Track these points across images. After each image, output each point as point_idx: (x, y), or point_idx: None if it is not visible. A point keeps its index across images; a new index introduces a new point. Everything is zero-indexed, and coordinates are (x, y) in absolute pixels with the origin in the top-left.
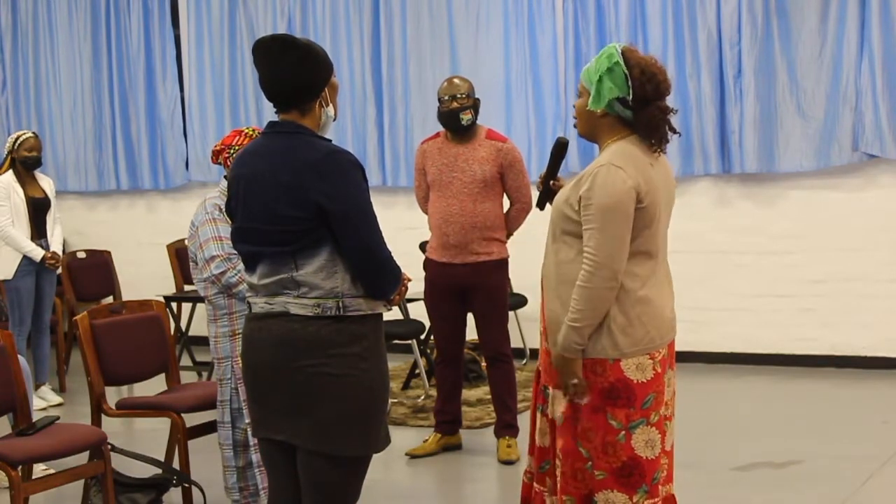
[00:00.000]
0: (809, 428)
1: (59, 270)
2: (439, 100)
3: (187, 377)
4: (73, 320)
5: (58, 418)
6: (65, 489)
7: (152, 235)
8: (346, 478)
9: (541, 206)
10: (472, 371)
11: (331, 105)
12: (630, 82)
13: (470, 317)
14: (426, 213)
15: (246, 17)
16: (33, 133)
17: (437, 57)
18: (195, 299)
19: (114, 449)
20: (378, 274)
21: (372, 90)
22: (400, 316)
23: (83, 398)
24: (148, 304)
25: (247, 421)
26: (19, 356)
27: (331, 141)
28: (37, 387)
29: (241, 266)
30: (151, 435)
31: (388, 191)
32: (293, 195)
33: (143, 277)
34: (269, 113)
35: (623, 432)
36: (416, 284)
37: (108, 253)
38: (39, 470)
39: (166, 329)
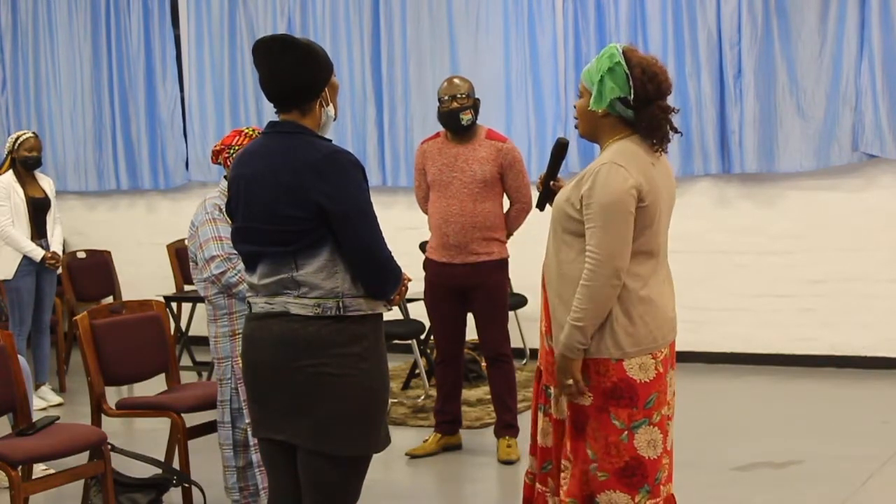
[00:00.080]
0: (809, 428)
1: (59, 270)
2: (439, 100)
3: (187, 377)
4: (73, 320)
5: (58, 418)
6: (65, 489)
7: (152, 235)
8: (346, 478)
9: (541, 206)
10: (472, 371)
11: (331, 105)
12: (631, 82)
13: (470, 317)
14: (426, 213)
15: (246, 17)
16: (33, 133)
17: (437, 57)
18: (195, 299)
19: (114, 449)
20: (378, 274)
21: (372, 90)
22: (400, 316)
23: (83, 398)
24: (148, 304)
25: (247, 421)
26: (19, 356)
27: (331, 141)
28: (37, 387)
29: (241, 266)
30: (151, 435)
31: (388, 191)
32: (293, 195)
33: (143, 277)
34: (269, 113)
35: (626, 432)
36: (416, 284)
37: (108, 253)
38: (39, 470)
39: (166, 329)
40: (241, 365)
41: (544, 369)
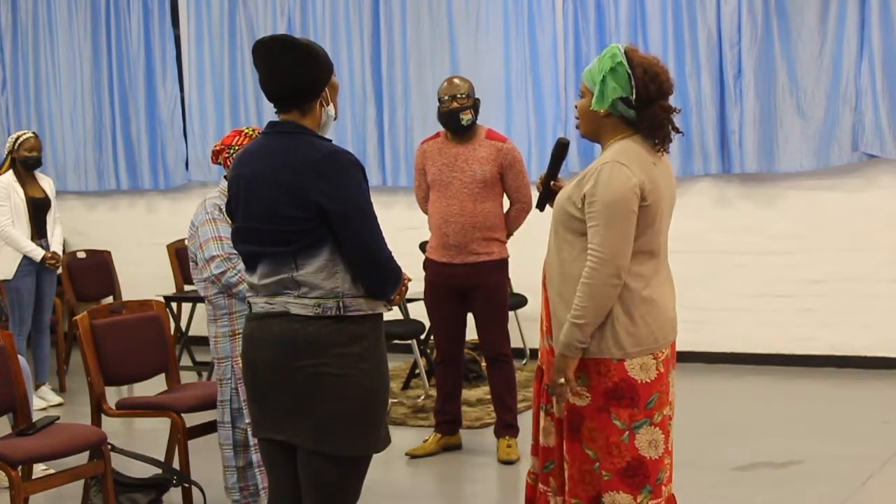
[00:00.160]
0: (809, 428)
1: (60, 270)
2: (439, 100)
3: (187, 377)
4: (73, 320)
5: (58, 418)
6: (65, 489)
7: (152, 235)
8: (346, 478)
9: (541, 207)
10: (472, 371)
11: (331, 105)
12: (633, 82)
13: (470, 317)
14: (426, 213)
15: (246, 17)
16: (33, 133)
17: (437, 57)
18: (195, 299)
19: (114, 449)
20: (378, 274)
21: (372, 90)
22: (400, 316)
23: (83, 398)
24: (148, 304)
25: (247, 421)
26: (19, 356)
27: (331, 141)
28: (37, 387)
29: (241, 266)
30: (151, 435)
31: (388, 191)
32: (293, 195)
33: (143, 277)
34: (269, 113)
35: (627, 432)
36: (416, 284)
37: (108, 253)
38: (39, 470)
39: (166, 329)
40: (241, 365)
41: (545, 369)
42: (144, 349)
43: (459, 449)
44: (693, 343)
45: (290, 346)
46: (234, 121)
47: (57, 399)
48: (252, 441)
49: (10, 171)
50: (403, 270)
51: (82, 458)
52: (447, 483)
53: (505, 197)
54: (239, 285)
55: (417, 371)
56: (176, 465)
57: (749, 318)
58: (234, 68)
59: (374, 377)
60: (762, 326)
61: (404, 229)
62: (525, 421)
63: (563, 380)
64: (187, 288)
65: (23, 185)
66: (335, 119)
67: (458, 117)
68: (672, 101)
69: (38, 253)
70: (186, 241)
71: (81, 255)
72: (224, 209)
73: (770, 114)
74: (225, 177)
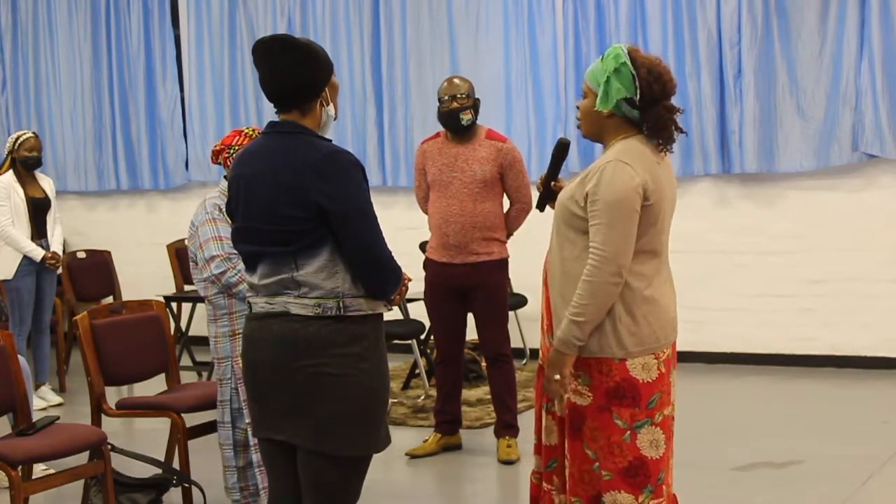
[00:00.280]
0: (809, 428)
1: (60, 270)
2: (439, 100)
3: (187, 377)
4: (73, 320)
5: (58, 418)
6: (65, 489)
7: (152, 235)
8: (346, 478)
9: (541, 207)
10: (472, 371)
11: (331, 105)
12: (637, 82)
13: (470, 317)
14: (426, 213)
15: (246, 17)
16: (33, 133)
17: (437, 57)
18: (195, 299)
19: (114, 449)
20: (378, 274)
21: (372, 90)
22: (400, 316)
23: (83, 398)
24: (148, 304)
25: (247, 421)
26: (19, 356)
27: (331, 141)
28: (37, 387)
29: (241, 266)
30: (151, 435)
31: (388, 191)
32: (293, 195)
33: (143, 277)
34: (269, 113)
35: (628, 432)
36: (416, 284)
37: (108, 253)
38: (39, 470)
39: (166, 329)
40: (241, 365)
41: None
42: (144, 349)
43: (459, 449)
44: (693, 343)
45: (290, 346)
46: (234, 121)
47: (57, 399)
48: (252, 441)
49: (10, 171)
50: (403, 270)
51: (82, 458)
52: (447, 483)
53: (505, 197)
54: (239, 285)
55: (417, 371)
56: (176, 465)
57: (749, 318)
58: (234, 68)
59: (374, 377)
60: (762, 326)
61: (404, 229)
62: (525, 421)
63: (557, 376)
64: (187, 288)
65: (23, 185)
66: (335, 119)
67: (458, 117)
68: (673, 101)
69: (38, 253)
70: (186, 241)
71: (81, 255)
72: (224, 209)
73: (770, 114)
74: (225, 177)
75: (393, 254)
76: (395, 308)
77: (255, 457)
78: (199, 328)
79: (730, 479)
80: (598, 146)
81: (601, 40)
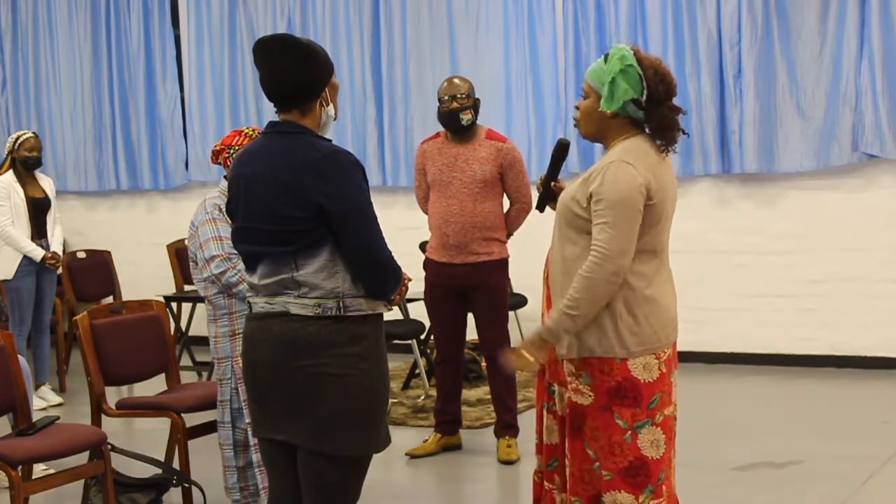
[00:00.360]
0: (809, 428)
1: (60, 270)
2: (439, 100)
3: (187, 377)
4: (73, 320)
5: (58, 418)
6: (65, 489)
7: (152, 235)
8: (346, 478)
9: (540, 208)
10: (472, 371)
11: (331, 105)
12: (645, 83)
13: (470, 317)
14: (426, 213)
15: (246, 17)
16: (33, 133)
17: (437, 57)
18: (195, 299)
19: (114, 449)
20: (378, 274)
21: (372, 90)
22: (400, 316)
23: (83, 398)
24: (148, 304)
25: (247, 421)
26: (19, 356)
27: (331, 141)
28: (37, 387)
29: (241, 266)
30: (151, 435)
31: (388, 191)
32: (293, 195)
33: (143, 277)
34: (269, 113)
35: (629, 432)
36: (416, 284)
37: (108, 253)
38: (39, 470)
39: (166, 329)
40: (241, 365)
41: (548, 367)
42: (144, 349)
43: (459, 449)
44: (693, 343)
45: (290, 346)
46: (234, 121)
47: (57, 399)
48: (252, 441)
49: (10, 171)
50: (403, 270)
51: (82, 458)
52: (447, 483)
53: (505, 197)
54: (239, 285)
55: (417, 371)
56: (176, 465)
57: (749, 318)
58: (234, 68)
59: (374, 377)
60: (762, 326)
61: (404, 229)
62: (525, 421)
63: (530, 357)
64: (187, 288)
65: (23, 185)
66: (335, 120)
67: (458, 117)
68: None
69: (38, 253)
70: (186, 241)
71: (81, 255)
72: (224, 209)
73: (770, 114)
74: (225, 177)
75: (393, 254)
76: (395, 308)
77: (255, 457)
78: (199, 328)
79: (730, 479)
80: (598, 146)
81: (601, 40)
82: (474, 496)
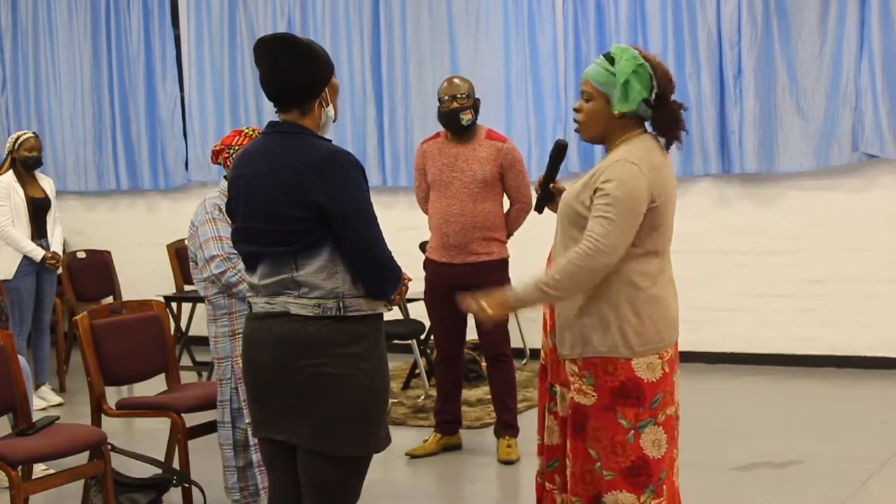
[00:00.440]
0: (809, 428)
1: (60, 270)
2: (439, 100)
3: (187, 377)
4: (73, 320)
5: (58, 418)
6: (65, 489)
7: (152, 235)
8: (346, 478)
9: (539, 209)
10: (472, 371)
11: (331, 105)
12: (654, 82)
13: (470, 317)
14: (426, 213)
15: (246, 17)
16: (33, 133)
17: (437, 57)
18: (195, 299)
19: (114, 449)
20: (378, 274)
21: (372, 90)
22: (400, 316)
23: (83, 398)
24: (148, 304)
25: (247, 421)
26: (19, 356)
27: (331, 141)
28: (37, 387)
29: (240, 266)
30: (151, 435)
31: (388, 191)
32: (293, 195)
33: (143, 277)
34: (269, 113)
35: (632, 432)
36: (416, 284)
37: (108, 253)
38: (39, 470)
39: (166, 329)
40: (241, 365)
41: (549, 367)
42: (144, 349)
43: (459, 449)
44: (693, 343)
45: (290, 346)
46: (234, 121)
47: (57, 399)
48: (252, 441)
49: (10, 171)
50: (403, 270)
51: (82, 458)
52: (447, 483)
53: (505, 197)
54: (239, 285)
55: (417, 371)
56: (176, 465)
57: (749, 318)
58: (234, 68)
59: (374, 377)
60: (762, 326)
61: (404, 229)
62: (525, 421)
63: (487, 310)
64: (187, 288)
65: (23, 185)
66: (335, 120)
67: (458, 117)
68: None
69: (38, 253)
70: (186, 241)
71: (81, 255)
72: (224, 209)
73: (770, 114)
74: (225, 177)
75: (393, 254)
76: (395, 308)
77: (255, 457)
78: (199, 328)
79: (730, 479)
80: (599, 147)
81: (601, 40)
82: (474, 496)
